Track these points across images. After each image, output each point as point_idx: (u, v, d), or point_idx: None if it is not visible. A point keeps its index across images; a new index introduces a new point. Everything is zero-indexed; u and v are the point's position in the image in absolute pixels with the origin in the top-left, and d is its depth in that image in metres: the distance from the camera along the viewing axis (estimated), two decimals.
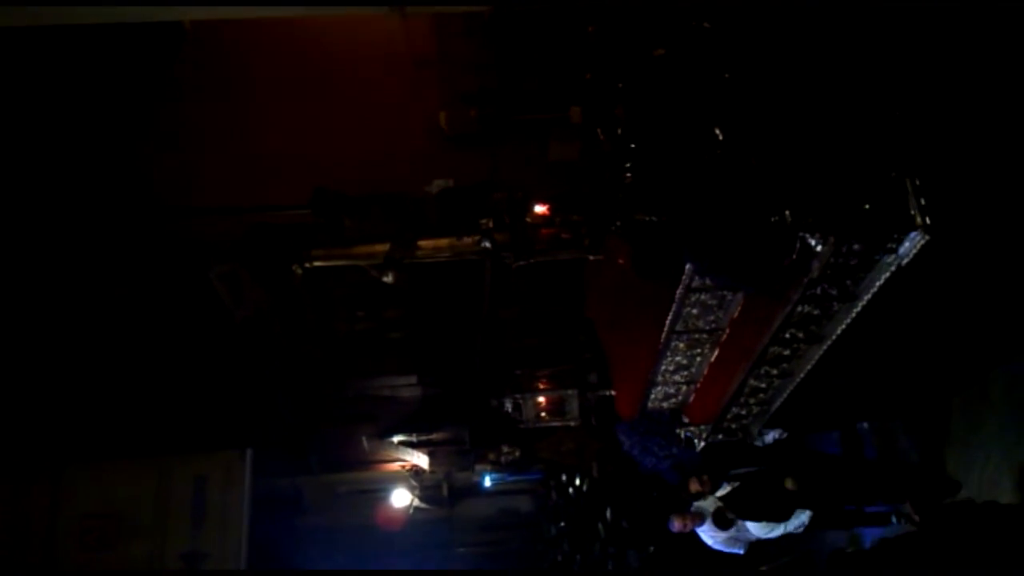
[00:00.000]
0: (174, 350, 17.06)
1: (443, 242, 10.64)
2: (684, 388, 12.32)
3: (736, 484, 12.22)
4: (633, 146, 9.91)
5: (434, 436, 19.46)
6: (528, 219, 10.26)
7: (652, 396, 12.49)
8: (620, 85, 10.23)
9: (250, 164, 16.43)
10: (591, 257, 10.61)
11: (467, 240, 10.49)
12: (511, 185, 10.40)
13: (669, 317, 10.56)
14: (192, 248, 16.03)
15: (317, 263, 10.89)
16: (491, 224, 10.18)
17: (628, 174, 9.89)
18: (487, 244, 10.19)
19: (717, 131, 9.17)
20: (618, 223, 10.03)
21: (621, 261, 10.54)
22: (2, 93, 16.03)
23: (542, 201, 10.41)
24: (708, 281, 9.92)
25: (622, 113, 10.15)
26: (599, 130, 10.91)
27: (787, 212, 8.69)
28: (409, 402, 18.62)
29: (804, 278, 9.12)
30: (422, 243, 10.57)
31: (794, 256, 8.87)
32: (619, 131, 10.16)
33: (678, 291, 10.12)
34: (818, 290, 9.51)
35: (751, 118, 9.09)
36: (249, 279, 14.96)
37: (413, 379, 17.94)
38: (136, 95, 17.23)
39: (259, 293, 15.18)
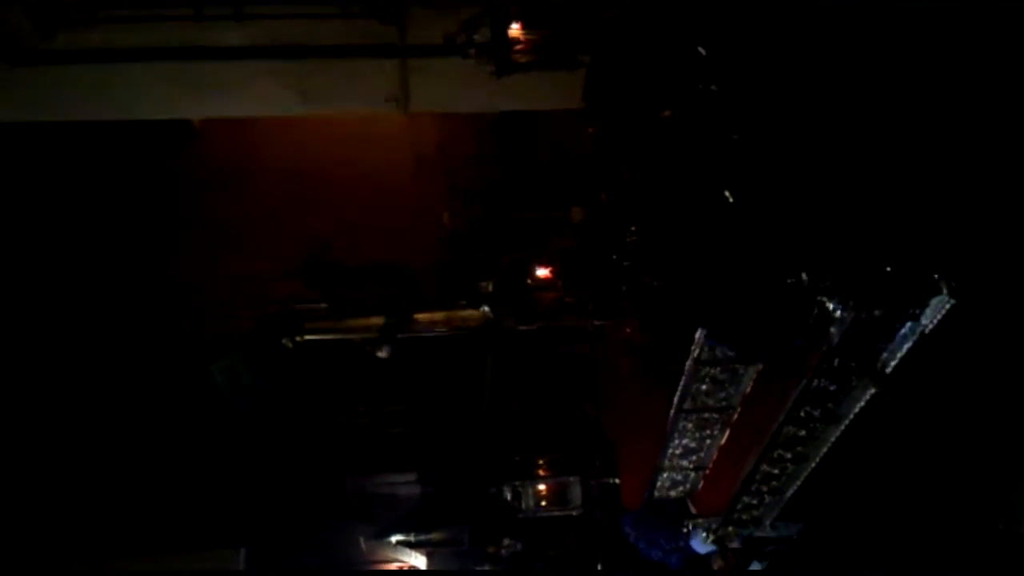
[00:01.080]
0: (171, 443, 16.02)
1: (440, 314, 9.71)
2: (692, 475, 11.18)
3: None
4: (639, 208, 8.97)
5: (433, 536, 18.26)
6: (530, 282, 9.30)
7: (659, 484, 11.33)
8: (626, 149, 9.35)
9: (254, 259, 15.53)
10: (595, 323, 9.60)
11: (466, 311, 9.50)
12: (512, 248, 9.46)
13: (677, 394, 9.52)
14: (193, 341, 15.19)
15: (308, 336, 9.89)
16: (491, 288, 9.22)
17: (633, 237, 8.94)
18: (487, 309, 9.21)
19: (727, 193, 8.26)
20: (624, 287, 9.05)
21: (628, 330, 9.54)
22: (16, 182, 15.64)
23: (545, 264, 9.45)
24: (719, 351, 8.91)
25: (628, 176, 9.25)
26: (603, 194, 10.00)
27: (804, 275, 7.73)
28: (408, 500, 17.48)
29: (823, 347, 8.10)
30: (418, 315, 9.60)
31: (811, 322, 7.88)
32: (625, 194, 9.24)
33: (687, 363, 9.09)
34: (835, 362, 8.48)
35: (762, 179, 8.18)
36: (249, 372, 14.12)
37: (412, 476, 16.87)
38: (144, 189, 16.52)
39: (258, 386, 14.30)
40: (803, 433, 9.47)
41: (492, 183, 16.10)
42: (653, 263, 8.79)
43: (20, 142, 15.10)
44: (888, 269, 7.67)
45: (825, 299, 7.77)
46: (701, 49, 8.48)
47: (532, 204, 16.02)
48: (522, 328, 9.50)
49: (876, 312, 7.86)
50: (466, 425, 14.91)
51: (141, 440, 15.83)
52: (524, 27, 12.79)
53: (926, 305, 7.77)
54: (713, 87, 8.44)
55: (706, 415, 9.98)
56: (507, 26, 12.60)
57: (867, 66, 8.06)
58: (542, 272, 9.52)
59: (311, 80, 14.22)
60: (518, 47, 12.53)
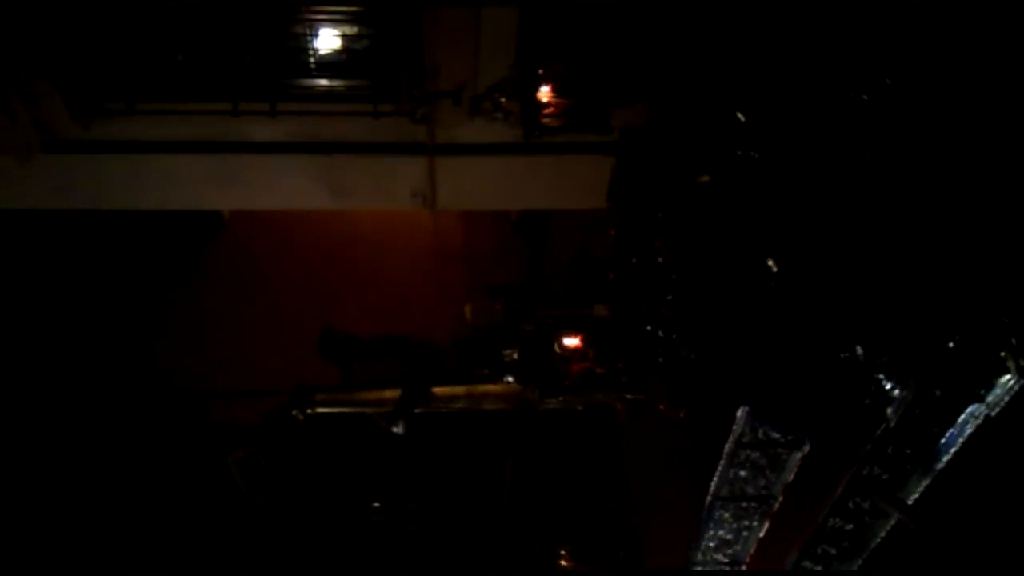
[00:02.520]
0: (185, 532, 14.88)
1: (460, 389, 8.58)
2: (727, 570, 9.88)
3: None
4: (674, 278, 7.92)
5: None
6: (558, 352, 8.18)
7: None
8: (660, 215, 8.32)
9: (276, 350, 14.60)
10: (628, 397, 8.43)
11: (487, 386, 8.37)
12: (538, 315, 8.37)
13: (714, 480, 8.34)
14: (212, 432, 14.20)
15: (320, 409, 8.78)
16: (516, 356, 8.09)
17: (670, 308, 7.86)
18: (510, 379, 8.07)
19: (770, 262, 7.23)
20: (660, 360, 7.93)
21: (662, 407, 8.39)
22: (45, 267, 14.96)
23: (574, 333, 8.33)
24: (762, 433, 7.75)
25: (661, 244, 8.21)
26: (634, 260, 8.95)
27: (859, 349, 6.64)
28: None
29: (877, 430, 6.97)
30: (437, 390, 8.47)
31: (866, 402, 6.76)
32: (658, 262, 8.19)
33: (726, 446, 7.93)
34: (889, 449, 7.33)
35: (810, 247, 7.15)
36: (266, 464, 13.05)
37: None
38: (171, 277, 15.75)
39: (276, 477, 13.21)
40: (850, 527, 8.25)
41: (515, 280, 15.23)
42: (691, 335, 7.70)
43: (51, 228, 14.19)
44: (951, 345, 6.58)
45: (881, 377, 6.67)
46: (740, 115, 7.54)
47: (555, 301, 15.11)
48: (547, 401, 8.26)
49: (937, 392, 6.76)
50: (483, 524, 13.72)
51: (156, 529, 14.70)
52: (554, 91, 11.91)
53: (992, 385, 6.65)
54: (753, 153, 7.47)
55: (744, 504, 8.75)
56: (537, 89, 11.70)
57: (921, 127, 7.08)
58: (571, 341, 8.37)
59: (341, 176, 13.63)
60: (547, 111, 11.62)
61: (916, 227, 6.90)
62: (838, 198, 7.20)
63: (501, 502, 13.25)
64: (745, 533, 9.25)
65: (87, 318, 15.23)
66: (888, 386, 6.72)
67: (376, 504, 14.30)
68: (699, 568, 9.70)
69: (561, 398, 8.48)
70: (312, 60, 13.32)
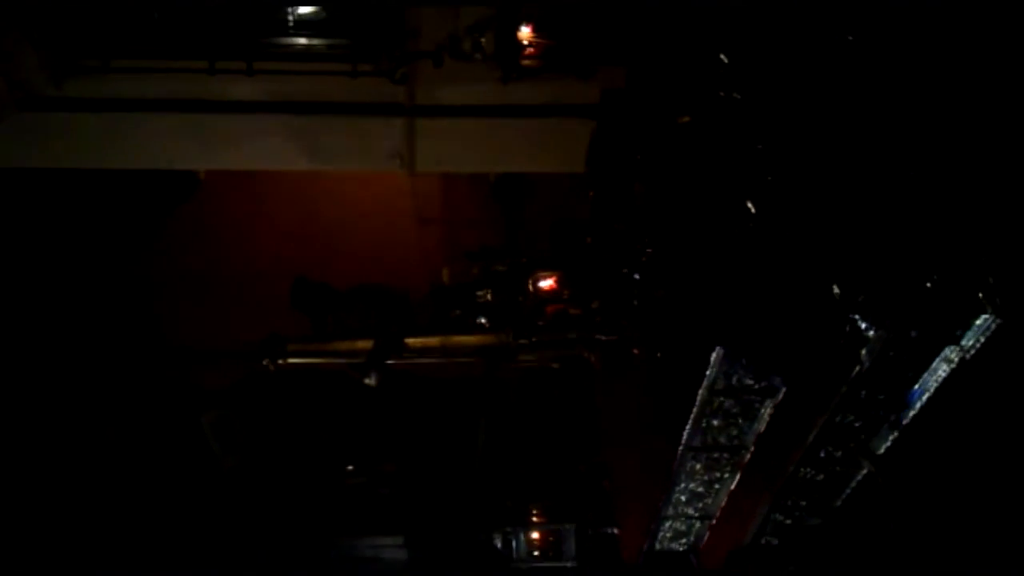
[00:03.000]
0: (155, 496, 14.52)
1: (434, 339, 8.22)
2: (697, 525, 9.54)
3: None
4: (653, 221, 7.59)
5: None
6: (532, 292, 7.85)
7: (661, 534, 9.72)
8: (638, 156, 7.99)
9: (251, 311, 14.22)
10: (602, 338, 8.09)
11: (462, 337, 8.03)
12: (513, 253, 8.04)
13: (687, 428, 8.01)
14: (185, 393, 13.87)
15: (292, 360, 8.42)
16: (489, 296, 7.76)
17: (647, 250, 7.54)
18: (483, 320, 7.74)
19: (749, 204, 6.93)
20: (635, 301, 7.62)
21: (636, 352, 8.07)
22: (14, 231, 14.56)
23: (549, 273, 8.00)
24: (736, 379, 7.42)
25: (640, 188, 7.88)
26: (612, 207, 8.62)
27: (835, 288, 6.36)
28: (393, 566, 15.82)
29: (851, 373, 6.68)
30: (410, 340, 8.13)
31: (842, 341, 6.48)
32: (636, 206, 7.86)
33: (699, 392, 7.60)
34: (863, 394, 7.04)
35: (788, 188, 6.86)
36: (240, 426, 12.69)
37: (400, 539, 15.28)
38: (146, 237, 15.39)
39: (249, 440, 12.85)
40: (821, 477, 7.96)
41: (492, 244, 14.89)
42: (668, 276, 7.39)
43: (24, 187, 13.82)
44: (928, 284, 6.30)
45: (857, 317, 6.39)
46: (723, 56, 7.24)
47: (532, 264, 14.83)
48: (522, 351, 7.92)
49: (912, 332, 6.47)
50: (457, 483, 13.38)
51: (124, 492, 14.33)
52: (535, 30, 11.58)
53: (969, 326, 6.37)
54: (735, 94, 7.16)
55: (716, 455, 8.43)
56: (517, 28, 11.36)
57: (902, 62, 6.78)
58: (545, 282, 8.04)
59: (318, 136, 13.29)
60: (528, 51, 11.28)
61: (894, 167, 6.61)
62: (818, 138, 6.90)
63: (475, 464, 12.96)
64: (716, 486, 8.90)
65: (60, 278, 14.79)
66: (863, 326, 6.42)
67: (351, 467, 13.98)
68: (669, 523, 9.40)
69: (536, 351, 8.12)
70: (290, 18, 13.01)
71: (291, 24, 13.07)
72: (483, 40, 11.20)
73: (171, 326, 14.74)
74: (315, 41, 13.17)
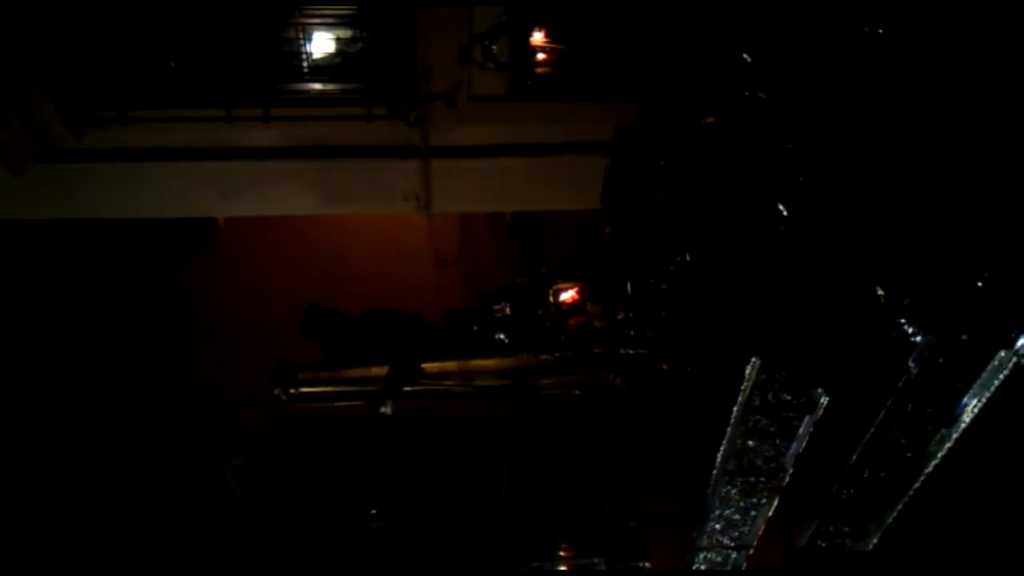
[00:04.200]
0: (180, 544, 13.85)
1: (451, 364, 7.56)
2: (734, 555, 8.67)
3: None
4: (678, 227, 6.90)
5: None
6: (553, 306, 7.13)
7: (695, 566, 8.85)
8: (662, 162, 7.30)
9: (273, 357, 13.62)
10: (631, 352, 7.35)
11: (480, 361, 7.32)
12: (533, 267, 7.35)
13: (720, 451, 7.23)
14: (208, 441, 13.35)
15: (304, 388, 7.74)
16: (508, 311, 7.04)
17: (675, 258, 6.84)
18: (502, 336, 7.02)
19: (780, 206, 6.25)
20: (663, 312, 6.90)
21: (664, 367, 7.32)
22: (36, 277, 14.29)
23: (570, 284, 7.28)
24: (772, 395, 6.67)
25: (663, 195, 7.19)
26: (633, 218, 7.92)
27: (879, 291, 5.65)
28: None
29: (898, 383, 5.94)
30: (426, 365, 7.44)
31: (888, 348, 5.75)
32: (660, 213, 7.17)
33: (734, 410, 6.84)
34: (909, 407, 6.28)
35: (823, 188, 6.18)
36: (263, 472, 12.04)
37: None
38: (165, 284, 14.88)
39: (272, 487, 12.18)
40: (865, 500, 7.16)
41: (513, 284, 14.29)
42: (697, 285, 6.69)
43: (44, 237, 13.35)
44: (979, 283, 5.58)
45: (903, 321, 5.66)
46: (746, 56, 6.60)
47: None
48: (544, 374, 7.18)
49: (963, 336, 5.74)
50: (481, 524, 12.59)
51: (150, 540, 13.67)
52: (548, 37, 11.03)
53: (1023, 328, 5.64)
54: (760, 94, 6.51)
55: (752, 479, 7.62)
56: (529, 34, 10.79)
57: (942, 48, 6.12)
58: (567, 294, 7.32)
59: (335, 180, 12.93)
60: (542, 57, 10.69)
61: (937, 160, 5.92)
62: (851, 134, 6.23)
63: (499, 504, 12.21)
64: (753, 513, 8.05)
65: (81, 328, 14.29)
66: (910, 331, 5.70)
67: (374, 511, 13.26)
68: (704, 554, 8.56)
69: (558, 372, 7.41)
70: (305, 64, 12.65)
71: (306, 70, 12.70)
72: (495, 48, 10.60)
73: (192, 374, 14.17)
74: (330, 86, 12.83)
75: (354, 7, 12.31)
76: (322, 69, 12.75)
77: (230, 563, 13.14)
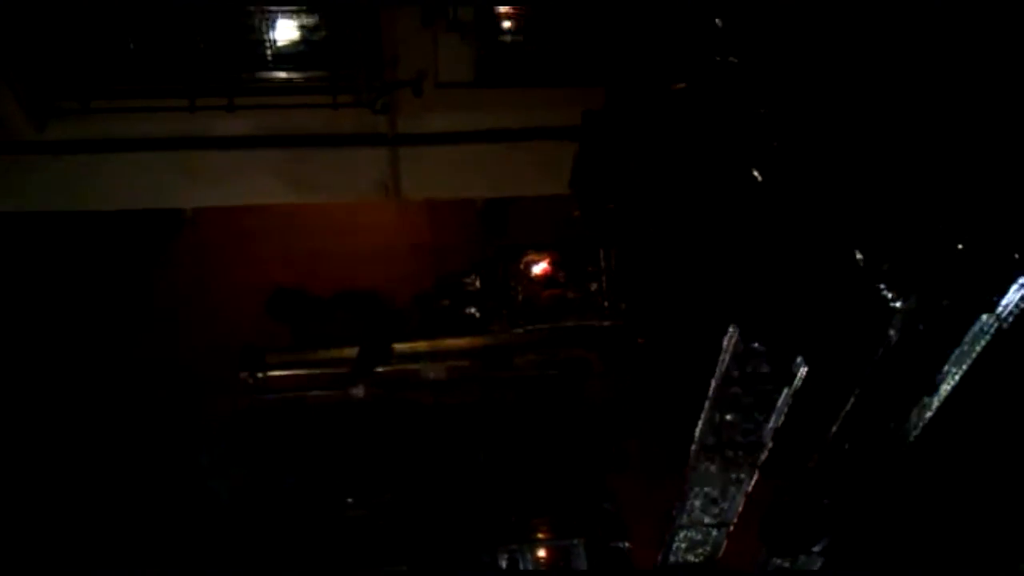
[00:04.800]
0: (150, 531, 13.47)
1: (422, 344, 7.23)
2: (714, 533, 8.39)
3: None
4: (650, 196, 6.60)
5: None
6: (525, 277, 6.81)
7: (675, 545, 8.57)
8: (631, 131, 7.00)
9: (241, 342, 13.29)
10: (605, 324, 7.04)
11: (452, 340, 6.99)
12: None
13: (699, 427, 6.95)
14: (180, 432, 13.16)
15: (272, 372, 7.39)
16: (478, 284, 6.70)
17: (647, 228, 6.54)
18: (473, 311, 6.70)
19: (755, 172, 5.97)
20: (638, 283, 6.60)
21: (640, 341, 7.02)
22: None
23: (542, 255, 6.96)
24: (751, 365, 6.39)
25: (634, 164, 6.90)
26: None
27: (857, 255, 5.38)
28: None
29: (877, 353, 5.67)
30: (397, 346, 7.10)
31: (866, 314, 5.49)
32: (632, 182, 6.87)
33: (712, 383, 6.56)
34: (889, 376, 6.02)
35: (797, 152, 5.90)
36: (236, 462, 11.71)
37: (403, 568, 14.06)
38: (134, 276, 14.66)
39: (246, 476, 11.85)
40: (844, 472, 6.89)
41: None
42: (671, 254, 6.40)
43: (4, 231, 12.92)
44: (960, 245, 5.32)
45: (882, 287, 5.40)
46: (717, 20, 6.32)
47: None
48: (517, 330, 6.85)
49: (944, 301, 5.48)
50: (458, 510, 12.29)
51: (124, 529, 13.28)
52: (515, 21, 10.75)
53: (1005, 291, 5.38)
54: (732, 59, 6.23)
55: (730, 454, 7.34)
56: (496, 19, 10.49)
57: (920, 11, 5.85)
58: (539, 267, 6.99)
59: (302, 169, 12.51)
60: (507, 24, 10.38)
61: (914, 118, 5.66)
62: (825, 97, 5.96)
63: (476, 488, 11.92)
64: (733, 489, 7.76)
65: (47, 321, 14.00)
66: (889, 296, 5.44)
67: (350, 499, 12.93)
68: (684, 532, 8.28)
69: (531, 350, 7.09)
70: (269, 52, 12.32)
71: (270, 58, 12.36)
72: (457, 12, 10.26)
73: (161, 365, 13.76)
74: (295, 75, 12.52)
75: None
76: (287, 57, 12.44)
77: (204, 556, 12.76)
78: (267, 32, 12.17)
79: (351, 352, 7.35)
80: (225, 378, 12.03)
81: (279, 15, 12.13)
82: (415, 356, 7.43)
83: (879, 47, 5.87)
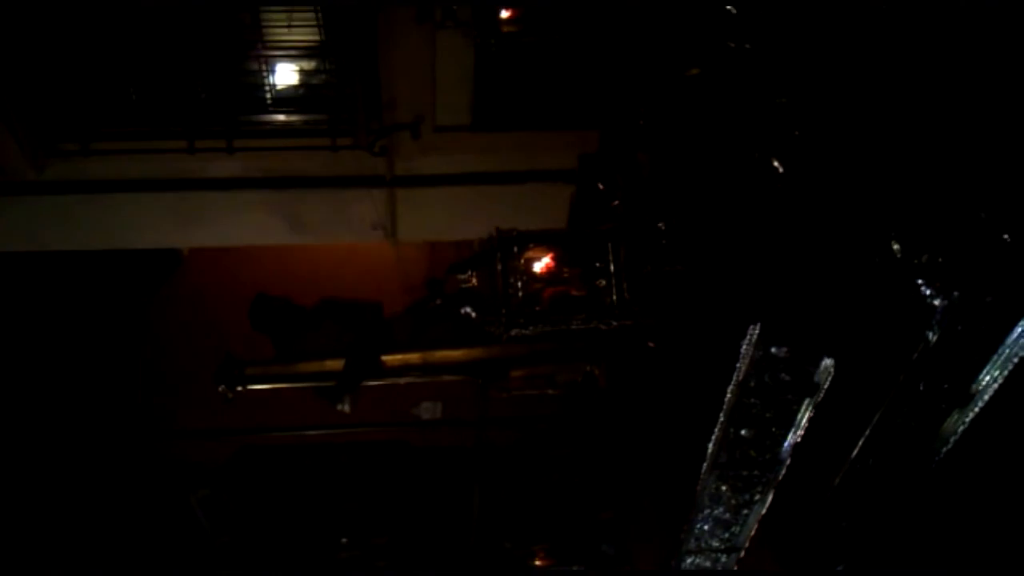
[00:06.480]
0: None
1: (414, 356, 6.35)
2: (724, 559, 7.34)
3: None
4: (662, 189, 5.77)
5: None
6: (526, 273, 5.94)
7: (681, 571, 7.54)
8: (641, 121, 6.19)
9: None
10: (613, 324, 6.13)
11: (445, 351, 6.10)
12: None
13: (711, 443, 6.02)
14: (174, 472, 12.28)
15: (252, 386, 6.49)
16: (474, 280, 5.81)
17: (659, 224, 5.70)
18: (468, 310, 5.81)
19: (775, 163, 5.17)
20: (649, 279, 5.74)
21: (651, 344, 6.13)
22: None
23: (545, 251, 6.08)
24: (769, 374, 5.50)
25: (644, 157, 6.07)
26: (618, 178, 6.77)
27: (894, 246, 4.56)
28: None
29: (913, 355, 4.83)
30: (387, 358, 6.22)
31: (902, 312, 4.65)
32: (642, 176, 6.04)
33: (728, 391, 5.66)
34: (922, 385, 5.16)
35: (823, 140, 5.11)
36: (230, 503, 10.77)
37: None
38: (131, 318, 13.73)
39: (240, 517, 10.90)
40: (869, 492, 5.97)
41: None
42: (685, 250, 5.56)
43: (3, 270, 12.14)
44: (1005, 236, 4.52)
45: (920, 282, 4.58)
46: (731, 7, 5.58)
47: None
48: (516, 332, 5.96)
49: (987, 298, 4.66)
50: (452, 550, 11.27)
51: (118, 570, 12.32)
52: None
53: None
54: (746, 44, 5.48)
55: (745, 473, 6.38)
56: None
57: None
58: (541, 263, 6.13)
59: (300, 210, 11.81)
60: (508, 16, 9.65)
61: (951, 100, 4.88)
62: (853, 80, 5.19)
63: (470, 530, 10.93)
64: (745, 511, 6.75)
65: (45, 360, 13.13)
66: (927, 292, 4.62)
67: (344, 540, 11.93)
68: (691, 558, 7.27)
69: (529, 363, 6.24)
70: (268, 95, 11.67)
71: (269, 101, 11.70)
72: (455, 7, 9.56)
73: (157, 404, 12.90)
74: (293, 117, 11.83)
75: (317, 38, 11.34)
76: (286, 100, 11.80)
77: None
78: (266, 75, 11.53)
79: (337, 365, 6.44)
80: (220, 419, 11.21)
81: (278, 58, 11.51)
82: (406, 369, 6.52)
83: (912, 24, 5.11)
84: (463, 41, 11.10)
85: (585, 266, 6.18)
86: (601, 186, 7.04)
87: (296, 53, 11.56)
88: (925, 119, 4.85)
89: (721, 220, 5.52)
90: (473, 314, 6.03)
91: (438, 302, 6.72)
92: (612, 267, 6.08)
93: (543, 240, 6.24)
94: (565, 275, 6.18)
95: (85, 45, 11.01)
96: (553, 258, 6.17)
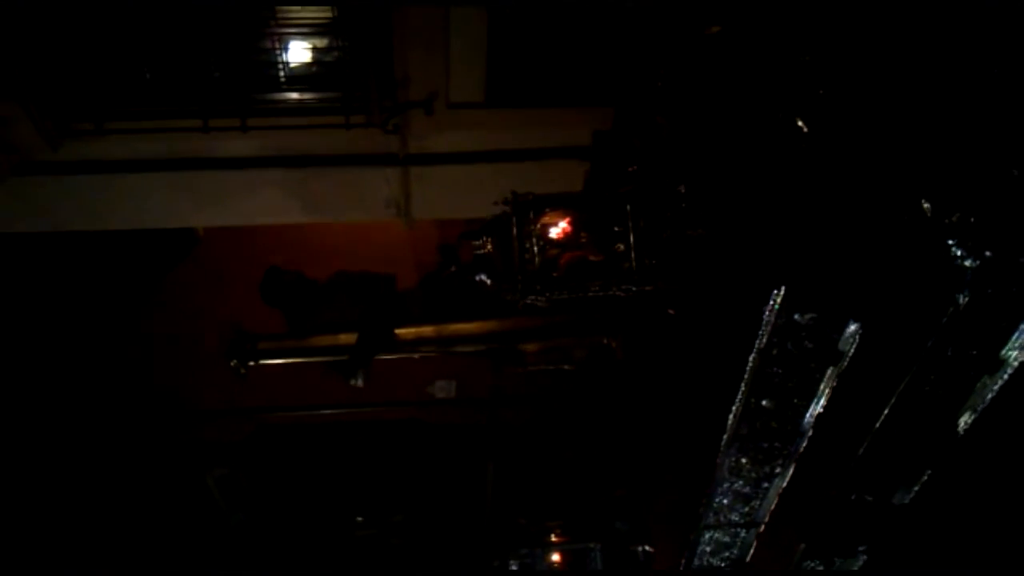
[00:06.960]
0: (163, 557, 12.33)
1: (428, 329, 6.10)
2: (743, 534, 7.08)
3: None
4: (681, 151, 5.50)
5: None
6: (542, 238, 5.68)
7: (700, 548, 7.28)
8: (659, 83, 5.91)
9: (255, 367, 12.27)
10: (632, 289, 5.86)
11: (459, 324, 5.85)
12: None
13: (731, 414, 5.75)
14: (190, 451, 12.17)
15: (265, 360, 6.24)
16: (489, 246, 5.55)
17: (681, 185, 5.42)
18: (483, 277, 5.55)
19: (800, 122, 4.89)
20: (668, 245, 5.47)
21: (671, 311, 5.86)
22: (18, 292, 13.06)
23: (561, 215, 5.81)
24: (792, 342, 5.23)
25: (663, 119, 5.80)
26: (636, 141, 6.49)
27: (924, 205, 4.28)
28: None
29: (943, 319, 4.55)
30: (400, 332, 5.96)
31: (932, 273, 4.37)
32: (661, 137, 5.77)
33: (749, 359, 5.39)
34: (950, 351, 4.89)
35: (848, 98, 4.83)
36: (246, 482, 10.60)
37: None
38: (147, 297, 13.60)
39: (256, 496, 10.73)
40: (892, 466, 5.70)
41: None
42: (706, 213, 5.29)
43: (20, 250, 12.26)
44: None
45: (951, 243, 4.30)
46: None
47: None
48: (532, 300, 5.69)
49: (1021, 259, 4.38)
50: (468, 525, 11.06)
51: (135, 551, 12.18)
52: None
53: None
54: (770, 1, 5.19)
55: (766, 445, 6.11)
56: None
57: None
58: (557, 228, 5.86)
59: (314, 189, 11.54)
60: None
61: (981, 58, 4.59)
62: (879, 37, 4.90)
63: (485, 508, 10.71)
64: (766, 484, 6.48)
65: (62, 339, 12.97)
66: (958, 253, 4.35)
67: (360, 518, 11.73)
68: (710, 533, 7.01)
69: (544, 338, 5.96)
70: (282, 74, 11.37)
71: (283, 79, 11.42)
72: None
73: (174, 384, 12.71)
74: (307, 95, 11.52)
75: (330, 15, 11.09)
76: (299, 78, 11.50)
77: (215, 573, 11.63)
78: (279, 53, 11.27)
79: (350, 339, 6.19)
80: (237, 398, 11.03)
81: (291, 36, 11.25)
82: (420, 342, 6.27)
83: None
84: (476, 16, 10.86)
85: (603, 231, 5.91)
86: (617, 155, 6.70)
87: (309, 31, 11.27)
88: (955, 74, 4.55)
89: (743, 182, 5.25)
90: (488, 281, 5.76)
91: (452, 269, 6.46)
92: (631, 231, 5.79)
93: (559, 204, 5.95)
94: (582, 240, 5.89)
95: (99, 25, 10.79)
96: (570, 223, 5.89)
